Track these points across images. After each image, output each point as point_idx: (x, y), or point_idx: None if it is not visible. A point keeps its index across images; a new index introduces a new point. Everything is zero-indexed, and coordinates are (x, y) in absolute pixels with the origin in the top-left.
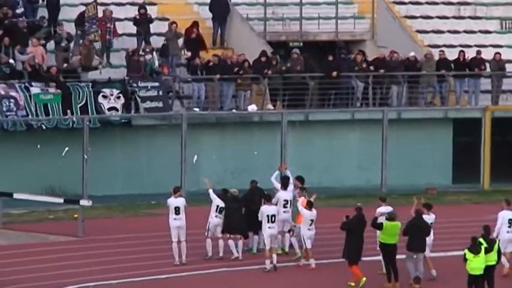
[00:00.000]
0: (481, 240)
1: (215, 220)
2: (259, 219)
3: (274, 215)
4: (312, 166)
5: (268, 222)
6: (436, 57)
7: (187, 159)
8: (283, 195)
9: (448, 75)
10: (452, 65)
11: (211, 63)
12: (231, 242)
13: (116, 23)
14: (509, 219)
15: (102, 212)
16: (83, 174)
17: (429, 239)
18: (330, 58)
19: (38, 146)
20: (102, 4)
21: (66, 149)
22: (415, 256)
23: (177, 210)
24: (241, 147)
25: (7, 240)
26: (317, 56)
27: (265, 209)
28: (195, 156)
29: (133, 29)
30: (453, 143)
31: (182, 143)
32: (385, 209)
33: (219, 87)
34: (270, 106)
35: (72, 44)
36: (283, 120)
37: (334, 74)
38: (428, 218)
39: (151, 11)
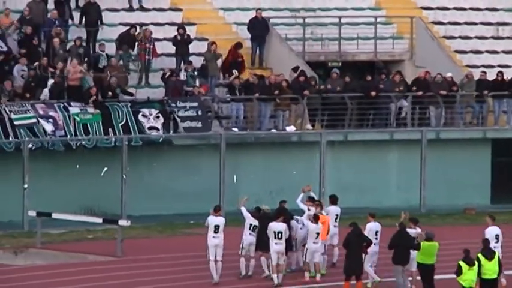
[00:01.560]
0: (480, 255)
1: (249, 238)
2: (269, 236)
3: (281, 232)
4: (350, 186)
5: (275, 238)
6: (475, 78)
7: (226, 179)
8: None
9: (487, 95)
10: (490, 85)
11: (250, 83)
12: (263, 259)
13: (155, 43)
14: (496, 235)
15: (141, 232)
16: (122, 194)
17: (413, 253)
18: (369, 78)
19: (77, 166)
20: (142, 24)
21: (105, 169)
22: (403, 269)
23: (216, 229)
24: (280, 167)
25: (46, 260)
26: (356, 76)
27: (273, 226)
28: (235, 176)
29: (172, 49)
30: (492, 163)
31: (221, 163)
32: (374, 225)
33: (258, 107)
34: (309, 126)
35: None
36: (322, 140)
37: (373, 94)
38: (415, 232)
39: (191, 31)
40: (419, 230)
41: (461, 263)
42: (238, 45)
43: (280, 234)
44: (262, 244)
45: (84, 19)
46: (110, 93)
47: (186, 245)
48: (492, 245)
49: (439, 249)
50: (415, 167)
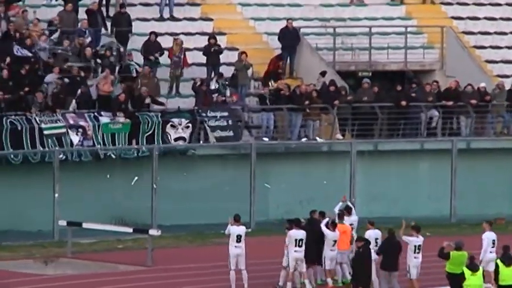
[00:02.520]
0: (499, 261)
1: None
2: (286, 243)
3: (302, 239)
4: (381, 196)
5: (295, 246)
6: (506, 88)
7: (256, 189)
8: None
9: None
10: None
11: (280, 93)
12: (296, 274)
13: (186, 53)
14: (493, 240)
15: (171, 241)
16: (152, 203)
17: (417, 261)
18: (399, 88)
19: (107, 175)
20: (173, 34)
21: (136, 178)
22: (388, 274)
23: (238, 238)
24: (310, 177)
25: (77, 270)
26: (386, 86)
27: (294, 233)
28: (267, 185)
29: (203, 59)
30: None
31: (251, 172)
32: (373, 232)
33: (288, 117)
34: (339, 136)
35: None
36: (352, 150)
37: (403, 103)
38: (417, 240)
39: (221, 41)
40: (421, 238)
41: (465, 268)
42: (279, 56)
43: (301, 242)
44: (310, 256)
45: (114, 29)
46: (141, 103)
47: (216, 254)
48: (489, 250)
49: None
50: (446, 177)
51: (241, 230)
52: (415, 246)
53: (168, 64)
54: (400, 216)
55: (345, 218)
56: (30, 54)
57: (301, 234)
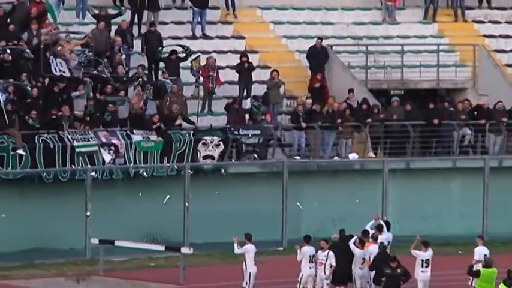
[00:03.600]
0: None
1: (307, 271)
2: (298, 259)
3: (314, 255)
4: (413, 214)
5: (309, 262)
6: None
7: (288, 207)
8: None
9: None
10: None
11: (312, 111)
12: None
13: (218, 71)
14: (485, 255)
15: (203, 259)
16: (184, 221)
17: (425, 275)
18: (431, 106)
19: (139, 193)
20: (205, 52)
21: (168, 196)
22: None
23: (311, 259)
24: (342, 195)
25: (108, 287)
26: (418, 104)
27: (307, 250)
28: (299, 204)
29: (235, 77)
30: None
31: (283, 190)
32: (374, 247)
33: (321, 135)
34: (371, 154)
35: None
36: (385, 168)
37: (436, 121)
38: (424, 254)
39: (253, 59)
40: (430, 252)
41: (502, 285)
42: (318, 72)
43: (313, 258)
44: (340, 276)
45: (145, 47)
46: (172, 121)
47: None
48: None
49: (498, 276)
50: (478, 195)
51: (313, 250)
52: (422, 260)
53: (199, 82)
54: (433, 234)
55: (380, 235)
56: (64, 73)
57: (313, 250)
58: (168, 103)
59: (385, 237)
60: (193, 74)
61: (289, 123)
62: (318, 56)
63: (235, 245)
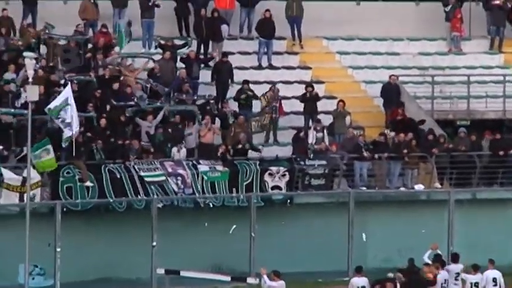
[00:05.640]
0: None
1: None
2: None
3: (364, 287)
4: (479, 244)
5: None
6: None
7: (355, 238)
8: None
9: None
10: None
11: (378, 142)
12: None
13: (283, 101)
14: (494, 278)
15: None
16: (250, 252)
17: None
18: (498, 136)
19: (205, 223)
20: (270, 82)
21: (234, 226)
22: None
23: None
24: (408, 226)
25: None
26: (484, 134)
27: (355, 281)
28: (364, 235)
29: (301, 107)
30: None
31: (349, 221)
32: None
33: (386, 166)
34: (437, 184)
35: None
36: (451, 198)
37: (501, 153)
38: (474, 277)
39: (319, 89)
40: (479, 275)
41: None
42: (401, 104)
43: None
44: None
45: (216, 77)
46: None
47: None
48: (490, 287)
49: None
50: None
51: (365, 281)
52: (471, 283)
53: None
54: (499, 264)
55: (451, 266)
56: (130, 103)
57: (362, 281)
58: (232, 134)
59: (454, 268)
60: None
61: (354, 154)
62: (391, 92)
63: (265, 277)
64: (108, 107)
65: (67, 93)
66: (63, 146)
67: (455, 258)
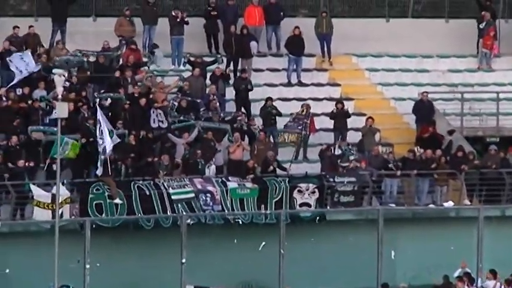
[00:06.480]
0: None
1: None
2: None
3: None
4: (508, 262)
5: None
6: None
7: (384, 255)
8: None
9: None
10: None
11: (406, 158)
12: None
13: (314, 118)
14: None
15: None
16: (279, 269)
17: None
18: None
19: (235, 240)
20: (300, 99)
21: (263, 243)
22: None
23: None
24: (437, 243)
25: None
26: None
27: None
28: (393, 252)
29: (330, 124)
30: None
31: (378, 238)
32: None
33: (416, 183)
34: (467, 201)
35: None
36: (480, 215)
37: None
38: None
39: (349, 106)
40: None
41: None
42: (431, 123)
43: None
44: None
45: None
46: (267, 167)
47: None
48: None
49: None
50: None
51: None
52: None
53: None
54: None
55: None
56: (162, 123)
57: None
58: (256, 151)
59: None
60: (294, 120)
61: (383, 170)
62: (424, 109)
63: None
64: (137, 124)
65: (99, 114)
66: (98, 173)
67: (493, 275)
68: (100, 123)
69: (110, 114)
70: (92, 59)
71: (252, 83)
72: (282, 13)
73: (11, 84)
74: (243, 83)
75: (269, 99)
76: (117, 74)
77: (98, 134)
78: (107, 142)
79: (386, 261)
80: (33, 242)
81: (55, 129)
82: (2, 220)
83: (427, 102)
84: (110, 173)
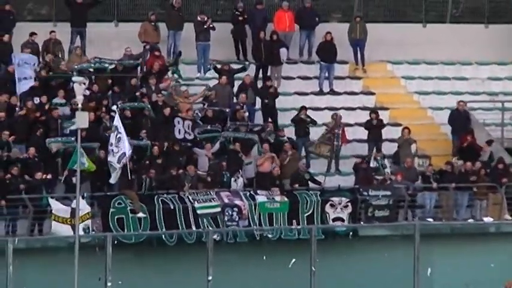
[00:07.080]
0: None
1: None
2: None
3: None
4: None
5: None
6: None
7: (420, 272)
8: None
9: None
10: None
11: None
12: None
13: (346, 128)
14: None
15: None
16: (311, 286)
17: None
18: None
19: (263, 257)
20: (332, 109)
21: (293, 260)
22: None
23: None
24: (476, 259)
25: None
26: None
27: None
28: (429, 269)
29: (364, 135)
30: None
31: (415, 254)
32: None
33: (454, 196)
34: (508, 216)
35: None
36: None
37: None
38: None
39: (384, 116)
40: None
41: None
42: (469, 132)
43: None
44: None
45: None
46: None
47: None
48: None
49: None
50: None
51: None
52: None
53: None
54: None
55: None
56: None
57: None
58: (285, 162)
59: None
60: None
61: (420, 184)
62: (460, 119)
63: None
64: (161, 135)
65: (116, 121)
66: (112, 182)
67: None
68: (117, 130)
69: (132, 124)
70: (110, 67)
71: (277, 90)
72: (317, 18)
73: (23, 90)
74: (267, 91)
75: (303, 108)
76: (133, 81)
77: (113, 142)
78: (127, 149)
79: (423, 279)
80: (51, 258)
81: (73, 139)
82: (18, 236)
83: (463, 111)
84: (131, 186)
